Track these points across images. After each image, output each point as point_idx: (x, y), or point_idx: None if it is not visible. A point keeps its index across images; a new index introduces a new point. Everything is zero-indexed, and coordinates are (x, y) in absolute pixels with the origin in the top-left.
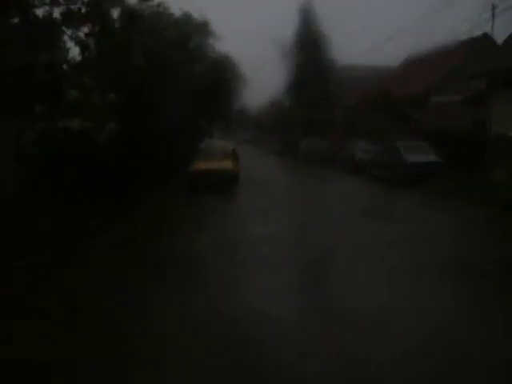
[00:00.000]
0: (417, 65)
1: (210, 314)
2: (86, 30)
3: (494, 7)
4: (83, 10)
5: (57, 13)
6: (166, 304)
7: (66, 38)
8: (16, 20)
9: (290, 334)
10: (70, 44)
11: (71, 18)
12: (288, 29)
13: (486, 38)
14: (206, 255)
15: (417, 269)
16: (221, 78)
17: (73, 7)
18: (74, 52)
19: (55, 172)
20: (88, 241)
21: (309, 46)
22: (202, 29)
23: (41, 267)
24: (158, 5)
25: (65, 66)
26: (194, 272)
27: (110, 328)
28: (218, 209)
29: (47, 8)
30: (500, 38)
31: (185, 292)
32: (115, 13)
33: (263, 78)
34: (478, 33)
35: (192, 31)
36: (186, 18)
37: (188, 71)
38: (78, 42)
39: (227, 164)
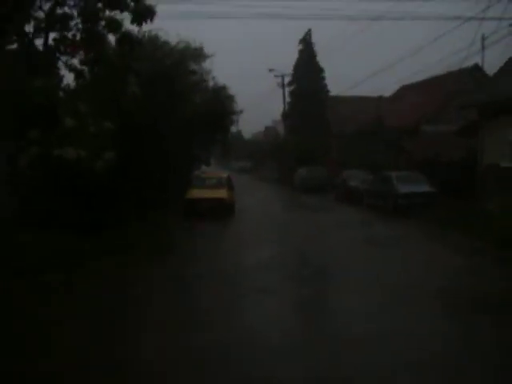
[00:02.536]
0: (409, 95)
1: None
2: (80, 56)
3: (483, 38)
4: (78, 36)
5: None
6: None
7: (60, 64)
8: (13, 46)
9: None
10: (65, 71)
11: (64, 44)
12: (285, 58)
13: (477, 69)
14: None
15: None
16: (218, 107)
17: (68, 34)
18: (69, 78)
19: (48, 197)
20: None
21: (305, 76)
22: (197, 54)
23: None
24: (155, 34)
25: (61, 93)
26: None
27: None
28: (209, 237)
29: (42, 34)
30: (490, 69)
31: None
32: (112, 38)
33: (260, 105)
34: (468, 64)
35: (189, 58)
36: (183, 45)
37: (185, 100)
38: (72, 68)
39: (222, 193)
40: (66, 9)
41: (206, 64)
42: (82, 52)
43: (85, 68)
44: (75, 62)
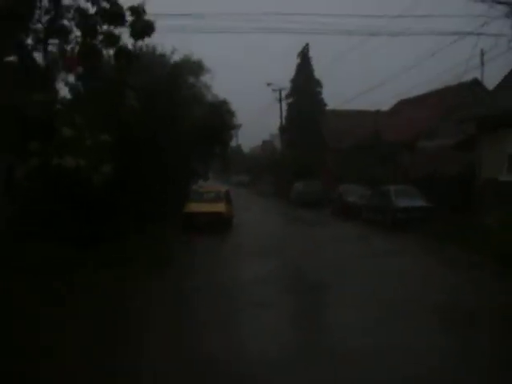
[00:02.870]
0: (407, 109)
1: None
2: (77, 70)
3: (482, 53)
4: (76, 49)
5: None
6: None
7: (58, 76)
8: (11, 59)
9: None
10: (62, 84)
11: (63, 57)
12: (284, 72)
13: (476, 84)
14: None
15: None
16: (217, 121)
17: (66, 47)
18: (66, 90)
19: (47, 208)
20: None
21: (302, 90)
22: (196, 68)
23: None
24: (153, 46)
25: (59, 106)
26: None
27: None
28: (207, 251)
29: (41, 47)
30: (489, 83)
31: None
32: (110, 52)
33: (259, 119)
34: (468, 78)
35: (187, 72)
36: (181, 58)
37: (184, 114)
38: (69, 85)
39: (220, 207)
40: (65, 22)
41: (206, 78)
42: (78, 66)
43: (79, 84)
44: (72, 76)
